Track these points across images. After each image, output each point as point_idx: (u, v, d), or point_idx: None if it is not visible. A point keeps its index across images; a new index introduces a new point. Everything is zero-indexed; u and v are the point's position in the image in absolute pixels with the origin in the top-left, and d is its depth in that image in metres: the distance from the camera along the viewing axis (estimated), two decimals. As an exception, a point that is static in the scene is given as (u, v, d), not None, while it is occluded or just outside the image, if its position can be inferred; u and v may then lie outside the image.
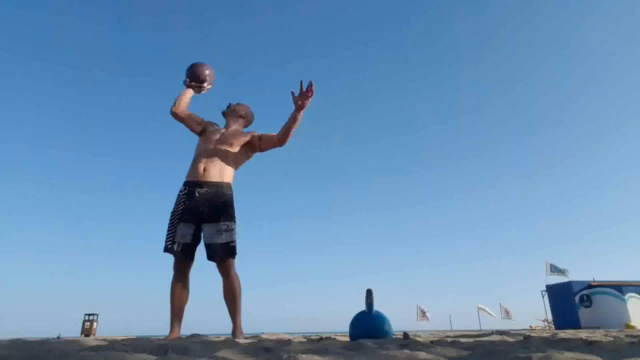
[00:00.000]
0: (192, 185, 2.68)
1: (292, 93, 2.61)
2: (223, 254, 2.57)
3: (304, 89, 2.58)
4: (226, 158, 2.76)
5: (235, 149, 2.82)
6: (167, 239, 2.62)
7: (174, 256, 2.61)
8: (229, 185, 2.75)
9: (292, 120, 2.69)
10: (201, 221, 2.63)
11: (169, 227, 2.65)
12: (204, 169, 2.69)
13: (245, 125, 3.05)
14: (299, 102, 2.60)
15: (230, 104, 3.05)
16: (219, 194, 2.66)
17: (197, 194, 2.63)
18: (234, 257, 2.62)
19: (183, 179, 2.78)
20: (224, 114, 3.03)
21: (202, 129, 2.92)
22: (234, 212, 2.69)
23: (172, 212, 2.69)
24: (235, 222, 2.66)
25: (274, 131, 2.85)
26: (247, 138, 2.87)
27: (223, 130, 2.90)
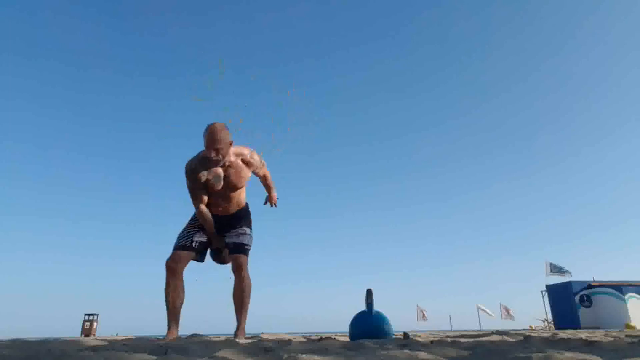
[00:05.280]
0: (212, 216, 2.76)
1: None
2: (238, 251, 2.69)
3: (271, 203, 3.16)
4: (238, 194, 2.81)
5: (242, 185, 2.83)
6: (181, 238, 2.66)
7: (189, 248, 2.65)
8: (245, 206, 2.91)
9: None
10: (221, 232, 2.79)
11: (186, 230, 2.71)
12: (222, 209, 2.77)
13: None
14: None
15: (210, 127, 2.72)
16: (238, 215, 2.83)
17: (217, 220, 2.75)
18: (247, 254, 2.72)
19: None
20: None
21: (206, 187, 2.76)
22: (250, 220, 2.88)
23: (190, 221, 2.75)
24: (251, 228, 2.85)
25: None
26: (248, 174, 2.80)
27: (221, 173, 2.64)
